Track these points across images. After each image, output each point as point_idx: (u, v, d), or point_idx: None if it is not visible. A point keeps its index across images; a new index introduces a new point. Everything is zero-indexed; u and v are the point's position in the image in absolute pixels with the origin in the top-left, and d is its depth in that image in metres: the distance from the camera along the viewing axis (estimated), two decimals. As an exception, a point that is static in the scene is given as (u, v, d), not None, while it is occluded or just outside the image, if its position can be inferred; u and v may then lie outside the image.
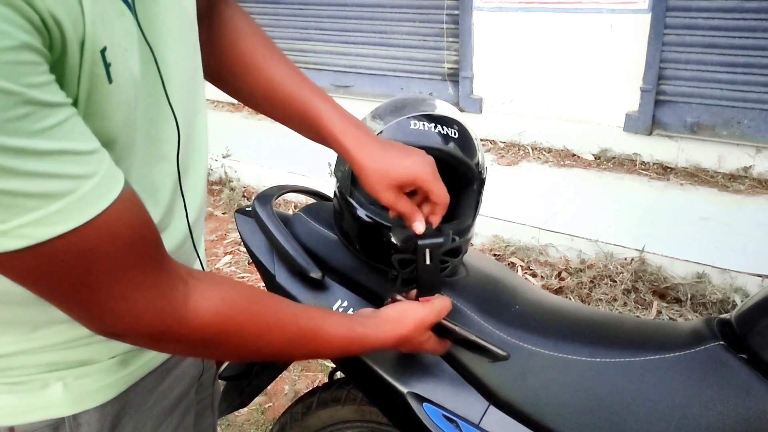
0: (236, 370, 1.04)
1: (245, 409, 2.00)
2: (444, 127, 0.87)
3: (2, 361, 0.58)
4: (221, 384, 1.09)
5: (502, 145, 3.69)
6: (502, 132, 3.72)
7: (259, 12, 4.52)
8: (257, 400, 2.04)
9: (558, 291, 2.41)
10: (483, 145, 3.61)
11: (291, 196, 3.23)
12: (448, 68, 3.87)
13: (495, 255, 2.61)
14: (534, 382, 0.82)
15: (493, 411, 0.83)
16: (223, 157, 3.66)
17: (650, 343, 0.81)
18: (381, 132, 0.88)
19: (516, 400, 0.82)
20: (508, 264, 2.57)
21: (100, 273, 0.47)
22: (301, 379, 2.09)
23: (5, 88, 0.38)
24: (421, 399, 0.84)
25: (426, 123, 0.86)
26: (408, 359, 0.88)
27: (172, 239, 0.65)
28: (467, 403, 0.84)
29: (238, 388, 1.14)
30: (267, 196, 1.05)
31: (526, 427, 0.81)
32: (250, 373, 1.06)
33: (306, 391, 1.19)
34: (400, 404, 0.85)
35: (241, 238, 1.09)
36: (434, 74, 3.95)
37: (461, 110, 3.85)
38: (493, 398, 0.83)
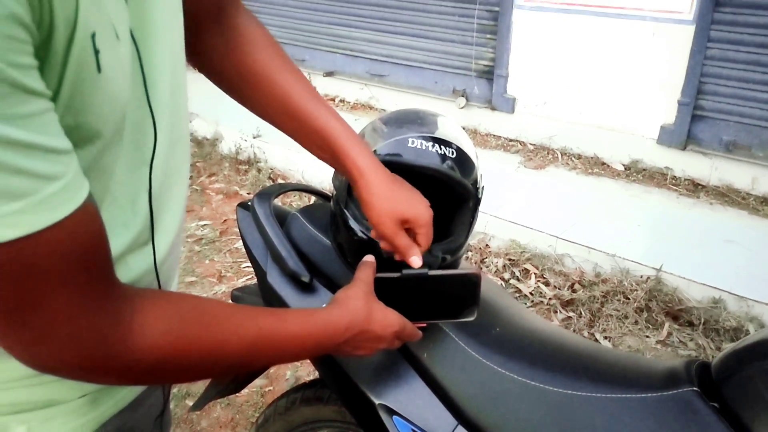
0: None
1: (246, 390, 2.04)
2: (441, 146, 0.87)
3: None
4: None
5: (531, 147, 3.64)
6: (532, 134, 3.67)
7: (300, -6, 4.54)
8: (258, 382, 2.08)
9: (569, 303, 2.38)
10: (512, 145, 3.63)
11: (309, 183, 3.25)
12: (484, 65, 3.82)
13: (510, 260, 2.59)
14: (503, 407, 0.82)
15: (462, 431, 0.83)
16: (254, 137, 3.70)
17: (624, 380, 0.81)
18: (381, 146, 0.89)
19: (484, 423, 0.82)
20: (522, 270, 2.55)
21: (42, 291, 0.41)
22: (303, 365, 2.12)
23: None
24: (391, 412, 0.85)
25: (424, 142, 0.87)
26: (383, 371, 0.89)
27: (148, 260, 0.60)
28: (436, 420, 0.85)
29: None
30: (267, 194, 1.07)
31: (492, 451, 0.81)
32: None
33: (292, 387, 1.21)
34: (371, 414, 0.86)
35: (240, 231, 1.11)
36: (469, 70, 3.90)
37: (493, 109, 3.83)
38: (462, 418, 0.84)
